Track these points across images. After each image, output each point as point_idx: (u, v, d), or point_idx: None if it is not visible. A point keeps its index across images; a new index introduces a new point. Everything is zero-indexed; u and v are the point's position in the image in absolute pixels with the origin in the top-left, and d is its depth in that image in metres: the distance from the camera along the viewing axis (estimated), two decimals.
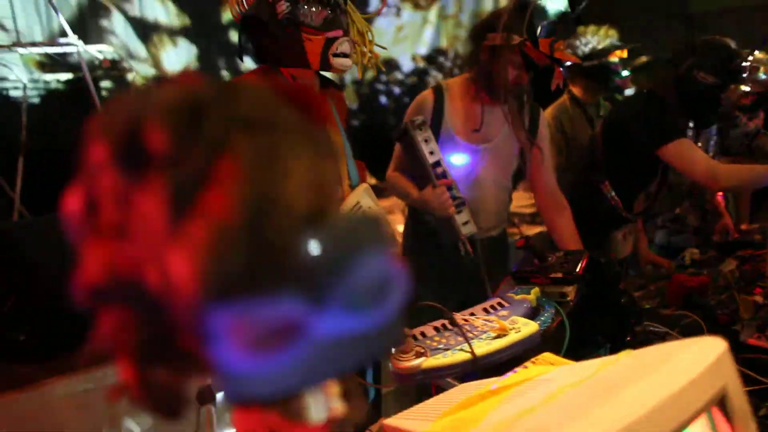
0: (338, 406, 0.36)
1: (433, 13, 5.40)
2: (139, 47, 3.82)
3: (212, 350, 0.30)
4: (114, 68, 2.38)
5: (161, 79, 0.35)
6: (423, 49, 5.37)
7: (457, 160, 1.74)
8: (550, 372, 0.86)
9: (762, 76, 2.75)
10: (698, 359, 0.67)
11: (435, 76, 5.42)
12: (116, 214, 0.33)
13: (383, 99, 5.23)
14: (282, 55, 1.30)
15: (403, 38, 5.22)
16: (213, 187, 0.30)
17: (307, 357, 0.30)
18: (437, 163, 1.53)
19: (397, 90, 5.26)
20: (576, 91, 2.67)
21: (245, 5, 1.29)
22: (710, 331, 1.54)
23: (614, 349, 1.34)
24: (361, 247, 0.31)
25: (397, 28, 5.10)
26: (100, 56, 2.21)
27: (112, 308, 0.36)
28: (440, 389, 1.09)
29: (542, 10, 1.67)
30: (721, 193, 2.67)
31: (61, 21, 2.16)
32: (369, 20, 1.42)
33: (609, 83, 2.66)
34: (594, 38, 2.63)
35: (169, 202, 0.31)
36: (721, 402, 0.66)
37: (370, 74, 4.84)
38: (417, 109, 1.78)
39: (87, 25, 3.52)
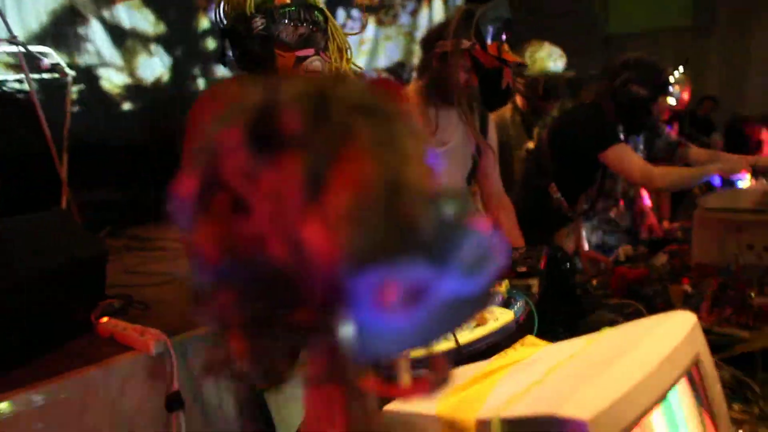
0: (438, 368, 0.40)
1: (392, 29, 5.68)
2: (114, 55, 3.76)
3: (349, 312, 0.34)
4: (54, 70, 2.28)
5: (279, 76, 0.38)
6: (383, 62, 5.61)
7: None
8: (538, 351, 0.94)
9: (676, 93, 3.06)
10: (677, 330, 0.77)
11: None
12: (244, 193, 0.36)
13: None
14: (256, 68, 1.33)
15: (366, 52, 5.44)
16: (345, 165, 0.34)
17: (430, 316, 0.35)
18: None
19: None
20: (518, 100, 2.83)
21: (223, 17, 1.31)
22: None
23: (571, 336, 1.45)
24: (468, 219, 0.36)
25: (360, 42, 5.28)
26: (45, 60, 2.10)
27: (227, 285, 0.38)
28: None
29: (488, 17, 1.78)
30: (648, 196, 2.91)
31: (3, 19, 2.05)
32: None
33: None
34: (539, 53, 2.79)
35: (304, 180, 0.34)
36: (697, 366, 0.76)
37: None
38: None
39: (63, 32, 3.47)
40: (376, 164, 0.34)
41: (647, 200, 2.99)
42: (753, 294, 1.68)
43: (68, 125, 2.59)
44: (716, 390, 0.78)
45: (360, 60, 5.29)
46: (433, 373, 0.41)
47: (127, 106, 3.96)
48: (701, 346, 0.78)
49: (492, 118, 2.68)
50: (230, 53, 1.39)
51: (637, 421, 0.61)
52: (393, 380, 0.40)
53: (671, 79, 2.43)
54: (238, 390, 1.80)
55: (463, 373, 0.90)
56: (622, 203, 2.77)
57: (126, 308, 1.92)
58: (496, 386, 0.81)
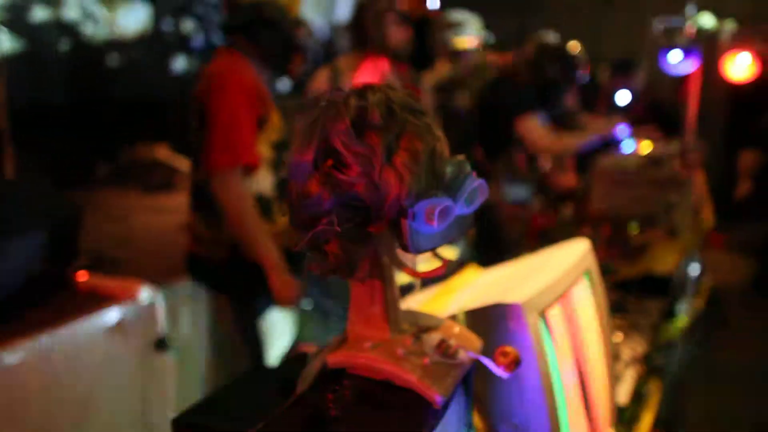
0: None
1: None
2: (96, 9, 3.82)
3: (407, 225, 0.62)
4: None
5: (365, 86, 0.64)
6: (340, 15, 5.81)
7: None
8: (481, 274, 1.27)
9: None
10: (578, 250, 1.12)
11: None
12: (345, 157, 0.62)
13: None
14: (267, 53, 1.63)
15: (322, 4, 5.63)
16: (404, 143, 0.62)
17: (449, 226, 0.64)
18: None
19: None
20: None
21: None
22: None
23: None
24: (469, 172, 0.65)
25: None
26: None
27: (329, 212, 0.65)
28: None
29: None
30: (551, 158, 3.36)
31: None
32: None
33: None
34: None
35: (382, 150, 0.61)
36: (589, 272, 1.11)
37: None
38: (314, 86, 2.04)
39: None
40: (421, 141, 0.62)
41: (547, 160, 3.45)
42: (635, 233, 2.13)
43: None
44: (601, 291, 1.15)
45: (318, 16, 5.41)
46: (443, 263, 0.70)
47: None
48: (592, 262, 1.14)
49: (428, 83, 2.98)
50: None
51: (551, 304, 0.95)
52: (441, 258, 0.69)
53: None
54: (213, 332, 2.03)
55: (432, 289, 1.21)
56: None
57: (98, 264, 2.06)
58: (456, 294, 1.12)
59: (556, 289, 0.99)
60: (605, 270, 1.69)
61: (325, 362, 0.73)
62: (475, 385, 0.81)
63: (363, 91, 0.63)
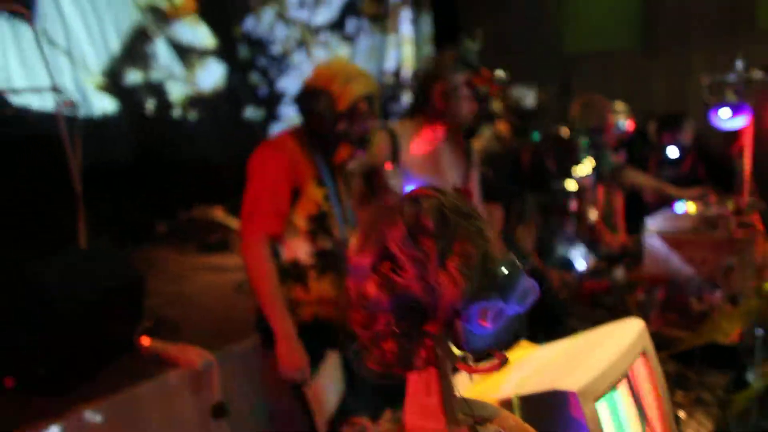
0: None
1: (393, 38, 6.45)
2: (177, 68, 4.19)
3: (461, 325, 0.65)
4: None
5: (419, 192, 0.69)
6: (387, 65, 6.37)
7: None
8: (532, 351, 1.27)
9: (622, 123, 3.49)
10: (632, 330, 1.12)
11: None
12: (401, 261, 0.66)
13: None
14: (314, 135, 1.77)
15: (374, 56, 6.22)
16: (457, 247, 0.65)
17: (502, 327, 0.67)
18: None
19: None
20: (502, 129, 3.19)
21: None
22: None
23: (550, 340, 1.77)
24: (520, 272, 0.68)
25: (368, 48, 6.08)
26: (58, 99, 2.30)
27: (386, 312, 0.69)
28: None
29: (468, 51, 2.14)
30: (599, 217, 3.32)
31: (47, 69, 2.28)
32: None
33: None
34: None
35: (437, 255, 0.65)
36: (644, 353, 1.10)
37: None
38: (375, 152, 2.12)
39: (135, 51, 3.89)
40: (473, 245, 0.66)
41: (595, 217, 3.41)
42: (694, 301, 2.06)
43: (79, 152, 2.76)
44: (659, 373, 1.13)
45: (370, 64, 5.91)
46: (498, 360, 0.72)
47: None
48: (647, 343, 1.12)
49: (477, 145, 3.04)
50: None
51: (607, 390, 0.94)
52: (473, 363, 0.71)
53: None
54: (269, 397, 2.06)
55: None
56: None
57: (158, 328, 2.16)
58: (508, 373, 1.13)
59: (613, 373, 0.99)
60: (664, 342, 1.64)
61: None
62: None
63: (417, 197, 0.68)
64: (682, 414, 1.45)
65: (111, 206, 3.62)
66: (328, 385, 1.94)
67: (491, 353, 0.72)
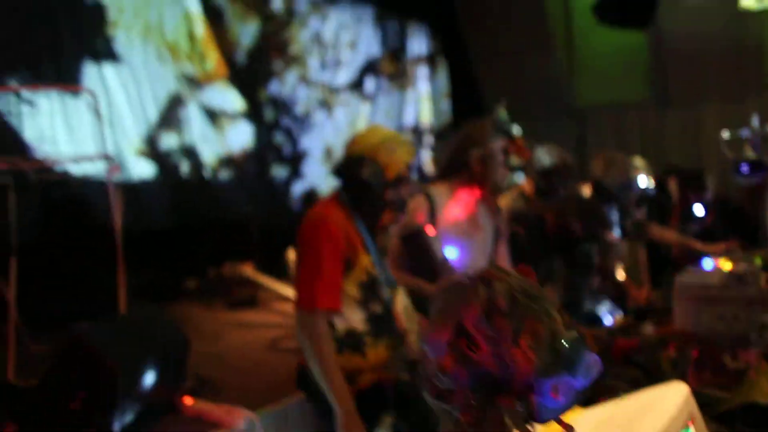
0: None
1: (411, 94, 6.73)
2: (209, 131, 4.44)
3: (534, 398, 0.71)
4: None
5: (490, 274, 0.77)
6: (408, 122, 6.69)
7: (452, 254, 2.19)
8: (578, 415, 1.30)
9: (643, 180, 3.57)
10: (678, 396, 1.16)
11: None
12: (477, 338, 0.74)
13: None
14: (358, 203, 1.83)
15: (392, 113, 6.48)
16: (528, 326, 0.73)
17: (570, 399, 0.73)
18: (446, 260, 1.98)
19: None
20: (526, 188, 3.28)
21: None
22: (648, 382, 2.05)
23: (587, 400, 1.79)
24: (584, 348, 0.75)
25: (386, 105, 6.38)
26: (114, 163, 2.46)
27: (462, 384, 0.75)
28: None
29: (503, 121, 2.27)
30: (624, 273, 3.35)
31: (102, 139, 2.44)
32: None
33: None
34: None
35: (510, 333, 0.72)
36: (693, 419, 1.14)
37: None
38: (414, 214, 2.21)
39: (170, 117, 4.16)
40: (542, 324, 0.73)
41: (622, 273, 3.43)
42: (728, 359, 2.07)
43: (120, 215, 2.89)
44: None
45: (389, 121, 6.21)
46: (565, 429, 0.78)
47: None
48: (694, 407, 1.16)
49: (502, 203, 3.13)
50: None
51: None
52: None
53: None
54: None
55: None
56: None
57: (199, 388, 2.21)
58: None
59: None
60: (702, 401, 1.65)
61: None
62: None
63: (489, 279, 0.76)
64: None
65: (143, 265, 3.74)
66: None
67: (561, 422, 0.78)
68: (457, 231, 2.24)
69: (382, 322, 1.81)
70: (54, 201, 3.18)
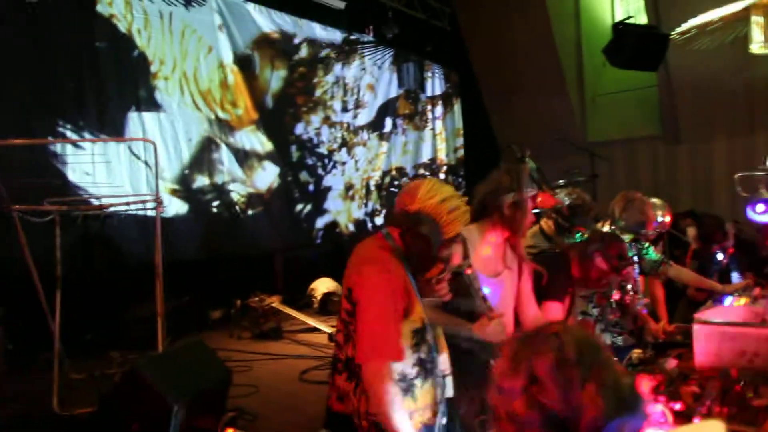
0: None
1: (427, 133, 7.03)
2: (238, 171, 4.76)
3: None
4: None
5: (558, 328, 0.88)
6: (423, 159, 7.01)
7: (486, 293, 2.29)
8: None
9: (660, 218, 3.68)
10: None
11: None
12: (547, 386, 0.84)
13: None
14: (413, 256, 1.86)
15: (410, 151, 6.83)
16: (593, 374, 0.84)
17: None
18: (485, 298, 2.08)
19: None
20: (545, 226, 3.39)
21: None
22: (674, 418, 2.12)
23: None
24: (636, 388, 0.85)
25: (403, 144, 6.72)
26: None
27: (532, 427, 0.86)
28: None
29: (535, 171, 2.39)
30: (643, 307, 3.43)
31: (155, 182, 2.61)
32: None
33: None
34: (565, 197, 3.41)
35: (579, 379, 0.83)
36: None
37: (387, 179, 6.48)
38: (451, 255, 2.30)
39: (202, 159, 4.46)
40: (606, 374, 0.84)
41: (642, 307, 3.51)
42: (751, 395, 2.14)
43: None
44: None
45: (405, 158, 6.58)
46: None
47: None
48: None
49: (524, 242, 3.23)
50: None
51: None
52: None
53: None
54: None
55: None
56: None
57: (237, 419, 2.29)
58: None
59: None
60: None
61: None
62: None
63: (558, 331, 0.87)
64: None
65: (173, 296, 3.87)
66: None
67: None
68: (488, 271, 2.34)
69: (428, 365, 1.87)
70: (97, 236, 3.34)
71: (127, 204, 2.49)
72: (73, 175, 3.39)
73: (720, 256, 3.77)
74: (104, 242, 3.44)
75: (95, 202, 3.24)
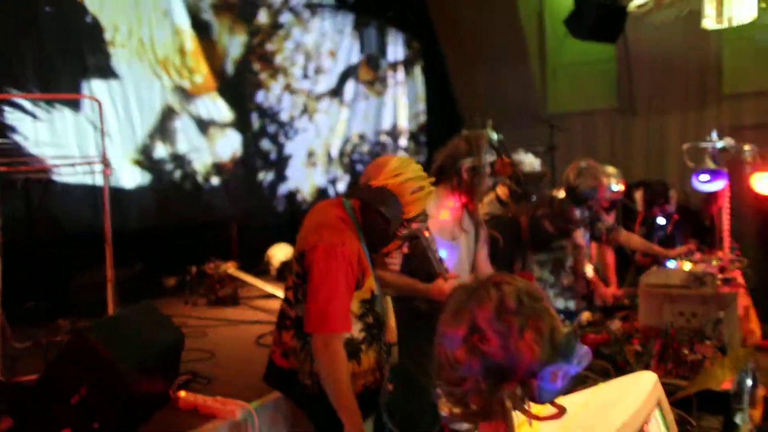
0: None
1: (388, 99, 7.02)
2: (200, 140, 4.65)
3: (539, 384, 0.84)
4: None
5: (497, 279, 0.89)
6: (384, 125, 6.96)
7: (442, 255, 2.33)
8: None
9: (614, 186, 3.79)
10: (648, 383, 1.31)
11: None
12: (487, 333, 0.86)
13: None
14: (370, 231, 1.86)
15: (370, 117, 6.80)
16: (531, 323, 0.86)
17: (565, 384, 0.86)
18: (442, 261, 2.11)
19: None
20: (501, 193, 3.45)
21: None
22: (616, 372, 2.23)
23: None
24: (578, 341, 0.88)
25: (364, 110, 6.69)
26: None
27: (473, 372, 0.88)
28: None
29: (495, 139, 2.42)
30: (593, 272, 3.56)
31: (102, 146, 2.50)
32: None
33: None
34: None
35: (517, 328, 0.85)
36: (659, 404, 1.29)
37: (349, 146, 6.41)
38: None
39: (163, 128, 4.32)
40: (544, 321, 0.86)
41: (591, 272, 3.64)
42: (686, 351, 2.26)
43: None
44: (671, 419, 1.32)
45: (367, 124, 6.51)
46: (558, 410, 0.91)
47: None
48: (661, 393, 1.32)
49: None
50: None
51: None
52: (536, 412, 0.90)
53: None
54: None
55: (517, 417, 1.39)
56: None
57: (191, 382, 2.28)
58: (535, 427, 1.30)
59: (635, 422, 1.17)
60: (665, 390, 1.82)
61: None
62: None
63: (499, 283, 0.89)
64: None
65: (125, 264, 3.78)
66: None
67: (555, 404, 0.91)
68: (445, 235, 2.37)
69: (374, 329, 1.89)
70: (41, 202, 3.21)
71: (73, 166, 2.37)
72: (18, 139, 3.23)
73: (661, 221, 3.92)
74: (49, 208, 3.31)
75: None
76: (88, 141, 3.72)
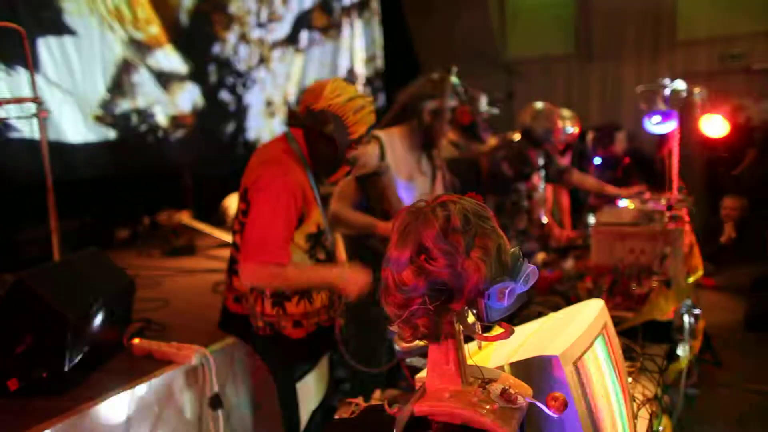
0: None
1: (343, 45, 6.80)
2: (160, 94, 4.49)
3: (486, 303, 0.84)
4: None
5: (446, 198, 0.87)
6: (340, 71, 6.74)
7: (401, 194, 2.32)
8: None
9: (569, 129, 3.82)
10: (595, 308, 1.34)
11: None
12: (433, 253, 0.85)
13: None
14: (317, 158, 1.81)
15: (326, 64, 6.56)
16: (478, 241, 0.84)
17: (512, 302, 0.86)
18: (400, 199, 2.10)
19: None
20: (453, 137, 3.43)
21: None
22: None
23: (519, 322, 2.00)
24: (524, 260, 0.88)
25: (320, 57, 6.45)
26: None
27: (419, 294, 0.87)
28: (412, 368, 1.61)
29: (460, 84, 2.40)
30: (548, 214, 3.64)
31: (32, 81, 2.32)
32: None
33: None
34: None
35: (463, 247, 0.84)
36: (605, 327, 1.33)
37: None
38: (365, 156, 2.28)
39: (122, 83, 4.20)
40: (490, 240, 0.85)
41: (544, 216, 3.72)
42: (634, 286, 2.35)
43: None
44: (616, 342, 1.36)
45: (323, 71, 6.31)
46: (506, 330, 0.92)
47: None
48: (608, 319, 1.36)
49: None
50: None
51: (581, 356, 1.16)
52: (486, 332, 0.91)
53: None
54: (254, 391, 2.18)
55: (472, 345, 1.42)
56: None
57: (147, 330, 2.23)
58: (496, 350, 1.33)
59: (583, 342, 1.21)
60: (614, 322, 1.89)
61: (412, 411, 0.93)
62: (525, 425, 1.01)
63: (445, 202, 0.87)
64: (629, 379, 1.70)
65: (75, 216, 3.64)
66: (316, 383, 2.08)
67: (499, 325, 0.91)
68: (403, 175, 2.35)
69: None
70: None
71: (0, 105, 2.20)
72: None
73: (597, 161, 4.04)
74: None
75: None
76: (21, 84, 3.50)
